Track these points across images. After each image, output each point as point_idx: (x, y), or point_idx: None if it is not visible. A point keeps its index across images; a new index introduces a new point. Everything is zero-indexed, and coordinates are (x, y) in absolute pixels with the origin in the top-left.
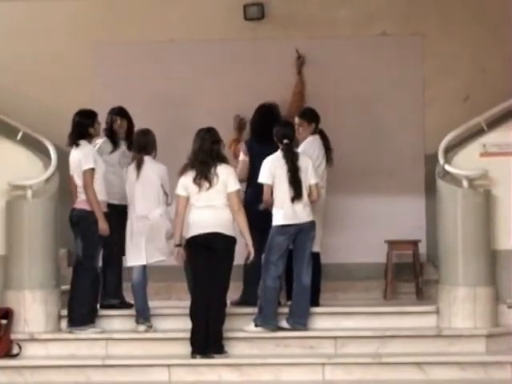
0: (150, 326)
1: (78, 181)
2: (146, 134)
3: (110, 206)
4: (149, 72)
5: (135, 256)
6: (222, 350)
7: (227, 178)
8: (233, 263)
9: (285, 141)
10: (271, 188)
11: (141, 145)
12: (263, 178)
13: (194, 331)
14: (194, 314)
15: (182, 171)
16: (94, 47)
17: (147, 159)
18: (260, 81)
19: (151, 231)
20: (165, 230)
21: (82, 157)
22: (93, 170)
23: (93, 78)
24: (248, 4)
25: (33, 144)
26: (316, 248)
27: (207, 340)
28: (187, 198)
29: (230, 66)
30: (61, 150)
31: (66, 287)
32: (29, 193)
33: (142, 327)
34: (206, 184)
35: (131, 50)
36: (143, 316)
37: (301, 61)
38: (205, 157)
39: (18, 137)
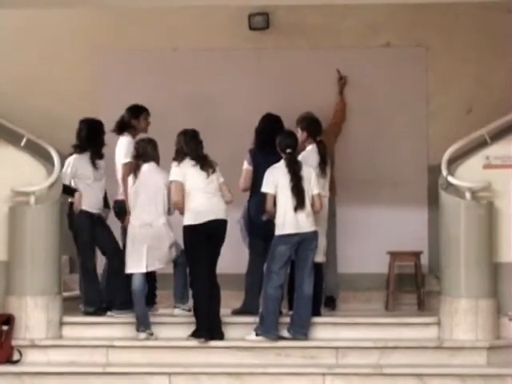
0: (151, 334)
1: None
2: (146, 142)
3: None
4: (151, 80)
5: (136, 263)
6: (223, 333)
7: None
8: None
9: (287, 150)
10: (274, 197)
11: (138, 152)
12: (266, 187)
13: (202, 318)
14: (201, 301)
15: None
16: (96, 55)
17: (152, 167)
18: (264, 90)
19: (154, 239)
20: (167, 239)
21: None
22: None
23: (95, 86)
24: (253, 14)
25: (36, 150)
26: (319, 258)
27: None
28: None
29: (233, 75)
30: (64, 156)
31: (68, 294)
32: (32, 199)
33: (142, 335)
34: (210, 169)
35: (134, 58)
36: (144, 324)
37: (343, 81)
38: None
39: (22, 143)
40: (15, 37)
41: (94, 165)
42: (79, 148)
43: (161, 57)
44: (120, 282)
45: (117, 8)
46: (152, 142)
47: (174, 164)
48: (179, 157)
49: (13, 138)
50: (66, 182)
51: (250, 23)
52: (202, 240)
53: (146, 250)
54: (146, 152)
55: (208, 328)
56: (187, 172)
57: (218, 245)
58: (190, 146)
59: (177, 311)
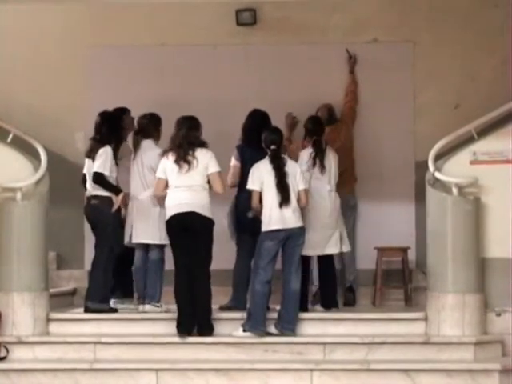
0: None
1: None
2: (143, 117)
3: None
4: (139, 76)
5: (125, 235)
6: (211, 329)
7: (208, 161)
8: (213, 241)
9: (272, 146)
10: (259, 194)
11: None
12: (251, 184)
13: (180, 312)
14: (178, 295)
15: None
16: (85, 51)
17: (148, 144)
18: (251, 86)
19: (137, 212)
20: (152, 213)
21: None
22: None
23: (84, 82)
24: (240, 9)
25: (23, 146)
26: (309, 252)
27: (194, 319)
28: (166, 181)
29: (221, 70)
30: (51, 152)
31: (55, 290)
32: (18, 195)
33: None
34: (186, 166)
35: (121, 54)
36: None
37: (353, 60)
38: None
39: (8, 139)
40: (2, 33)
41: (116, 159)
42: (99, 142)
43: (148, 52)
44: (97, 275)
45: (104, 3)
46: (154, 118)
47: (162, 158)
48: (166, 150)
49: None
50: (107, 174)
51: (238, 19)
52: (176, 233)
53: (132, 221)
54: (143, 128)
55: (190, 322)
56: (167, 168)
57: (196, 238)
58: (175, 133)
59: (147, 307)
